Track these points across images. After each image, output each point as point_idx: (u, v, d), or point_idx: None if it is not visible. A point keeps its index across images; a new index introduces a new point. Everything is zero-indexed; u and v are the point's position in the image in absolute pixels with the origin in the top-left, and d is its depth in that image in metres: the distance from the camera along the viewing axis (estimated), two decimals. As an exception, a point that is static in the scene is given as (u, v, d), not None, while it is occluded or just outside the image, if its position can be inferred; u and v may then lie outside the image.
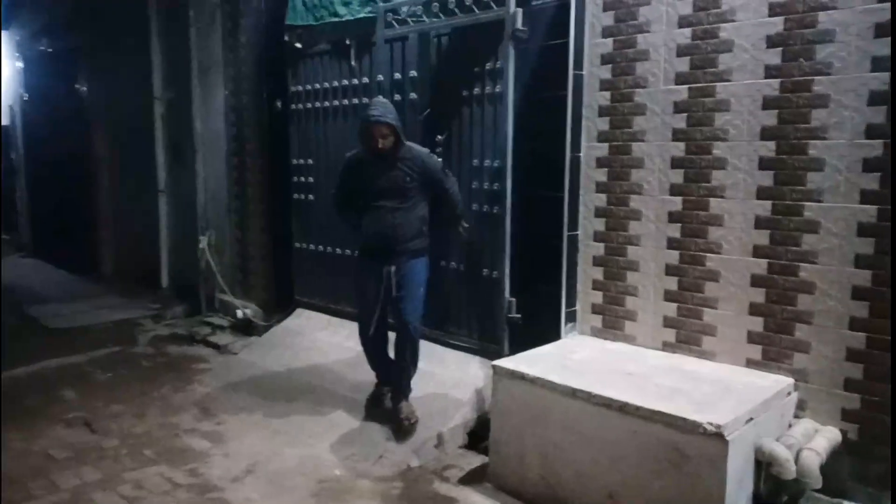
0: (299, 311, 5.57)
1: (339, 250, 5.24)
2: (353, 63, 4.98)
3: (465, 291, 4.39)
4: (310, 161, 5.48)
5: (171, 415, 4.28)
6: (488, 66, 4.13)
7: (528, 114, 3.94)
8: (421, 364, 3.96)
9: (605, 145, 3.67)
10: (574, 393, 3.03)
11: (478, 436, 3.81)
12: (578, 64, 3.69)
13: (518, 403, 3.27)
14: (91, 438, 3.94)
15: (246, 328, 5.80)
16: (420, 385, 3.88)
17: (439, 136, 4.39)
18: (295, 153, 5.61)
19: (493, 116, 4.12)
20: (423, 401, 3.92)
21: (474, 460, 3.64)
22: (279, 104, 5.62)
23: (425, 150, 3.94)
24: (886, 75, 2.77)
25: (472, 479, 3.46)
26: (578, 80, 3.70)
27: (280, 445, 3.81)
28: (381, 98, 3.96)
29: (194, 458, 3.68)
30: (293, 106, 5.57)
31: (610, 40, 3.60)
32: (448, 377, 4.19)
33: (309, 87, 5.39)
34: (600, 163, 3.70)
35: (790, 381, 3.09)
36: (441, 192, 3.90)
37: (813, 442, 2.89)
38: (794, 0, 2.98)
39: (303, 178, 5.55)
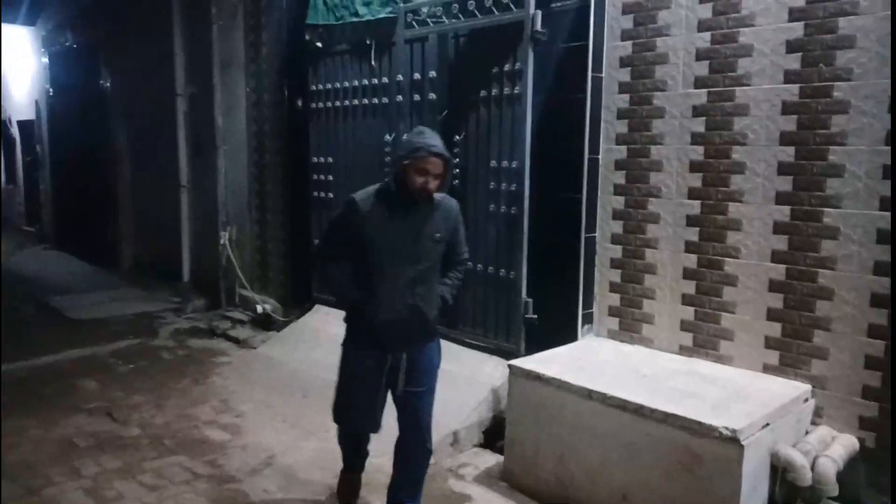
0: (317, 307, 5.62)
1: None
2: (373, 63, 5.01)
3: (482, 291, 4.41)
4: (329, 159, 5.52)
5: (190, 406, 4.36)
6: (507, 67, 4.13)
7: (546, 115, 3.96)
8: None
9: (624, 148, 3.68)
10: (590, 394, 3.05)
11: (493, 435, 3.84)
12: (597, 66, 3.70)
13: (534, 403, 3.30)
14: (112, 428, 4.02)
15: (265, 323, 5.88)
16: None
17: (458, 137, 4.42)
18: (314, 151, 5.66)
19: (511, 118, 4.13)
20: (439, 398, 3.94)
21: (489, 459, 3.67)
22: (300, 102, 5.68)
23: (455, 200, 2.93)
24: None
25: (486, 477, 3.50)
26: (597, 82, 3.71)
27: (297, 439, 3.87)
28: (426, 128, 2.90)
29: (213, 450, 3.74)
30: (313, 104, 5.62)
31: (629, 43, 3.60)
32: (464, 376, 4.20)
33: (329, 85, 5.44)
34: (618, 165, 3.71)
35: (807, 387, 3.08)
36: (453, 256, 2.94)
37: (829, 449, 2.89)
38: (814, 5, 2.98)
39: (322, 176, 5.60)
